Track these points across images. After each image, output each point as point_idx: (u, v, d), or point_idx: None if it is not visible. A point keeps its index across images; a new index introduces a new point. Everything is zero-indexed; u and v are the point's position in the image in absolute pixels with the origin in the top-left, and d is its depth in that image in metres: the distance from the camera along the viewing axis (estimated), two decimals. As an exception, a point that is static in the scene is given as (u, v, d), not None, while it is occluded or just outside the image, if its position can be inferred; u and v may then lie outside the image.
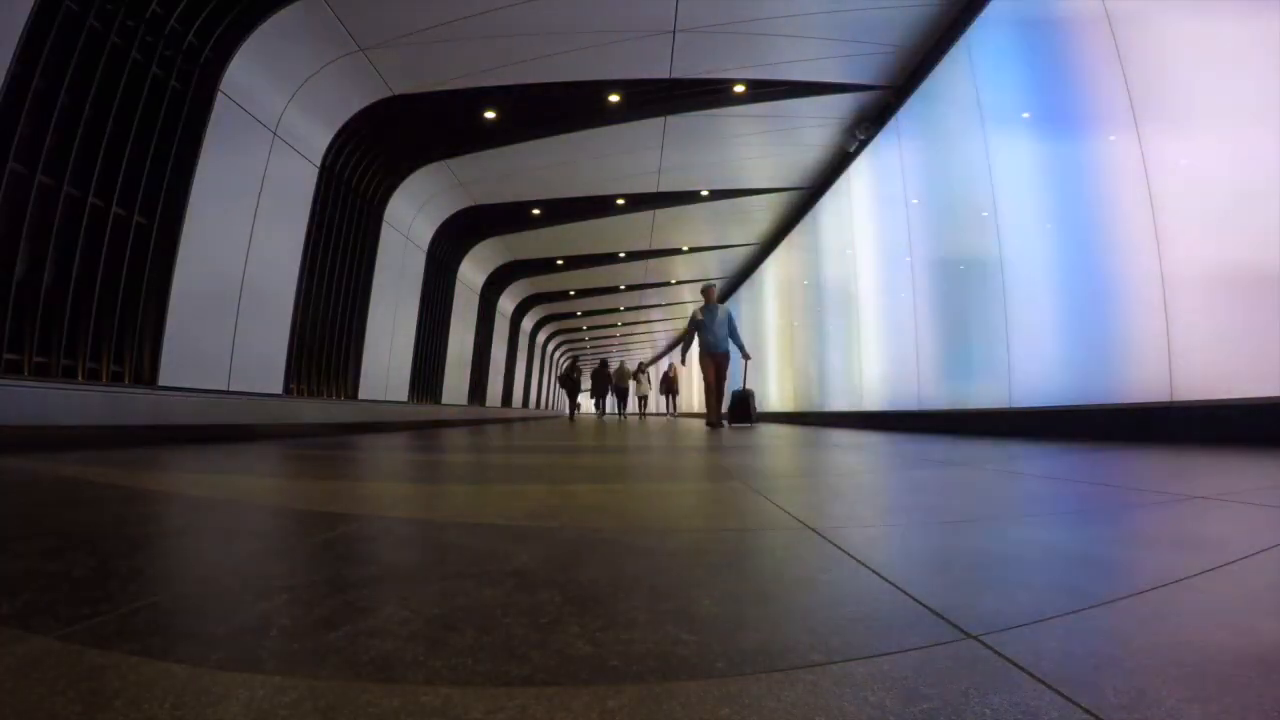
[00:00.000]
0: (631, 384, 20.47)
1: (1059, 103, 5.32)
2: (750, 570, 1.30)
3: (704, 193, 11.80)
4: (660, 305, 23.74)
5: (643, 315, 25.77)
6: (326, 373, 8.92)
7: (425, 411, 12.51)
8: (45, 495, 2.29)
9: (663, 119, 8.75)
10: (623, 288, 20.01)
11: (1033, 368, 5.64)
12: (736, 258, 16.88)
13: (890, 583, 1.10)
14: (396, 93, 7.85)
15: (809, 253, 12.52)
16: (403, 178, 9.97)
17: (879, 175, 8.99)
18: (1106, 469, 2.90)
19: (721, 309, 9.17)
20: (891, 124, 8.32)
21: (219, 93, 6.09)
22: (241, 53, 6.14)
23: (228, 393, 6.63)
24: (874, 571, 1.18)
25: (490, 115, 8.59)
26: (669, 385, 20.55)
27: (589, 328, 28.70)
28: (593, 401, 19.66)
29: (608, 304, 22.81)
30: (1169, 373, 4.18)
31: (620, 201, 11.91)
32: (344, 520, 1.80)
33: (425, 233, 11.80)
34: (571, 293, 20.36)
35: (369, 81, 7.55)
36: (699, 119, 8.77)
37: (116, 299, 5.40)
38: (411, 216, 10.99)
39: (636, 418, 20.45)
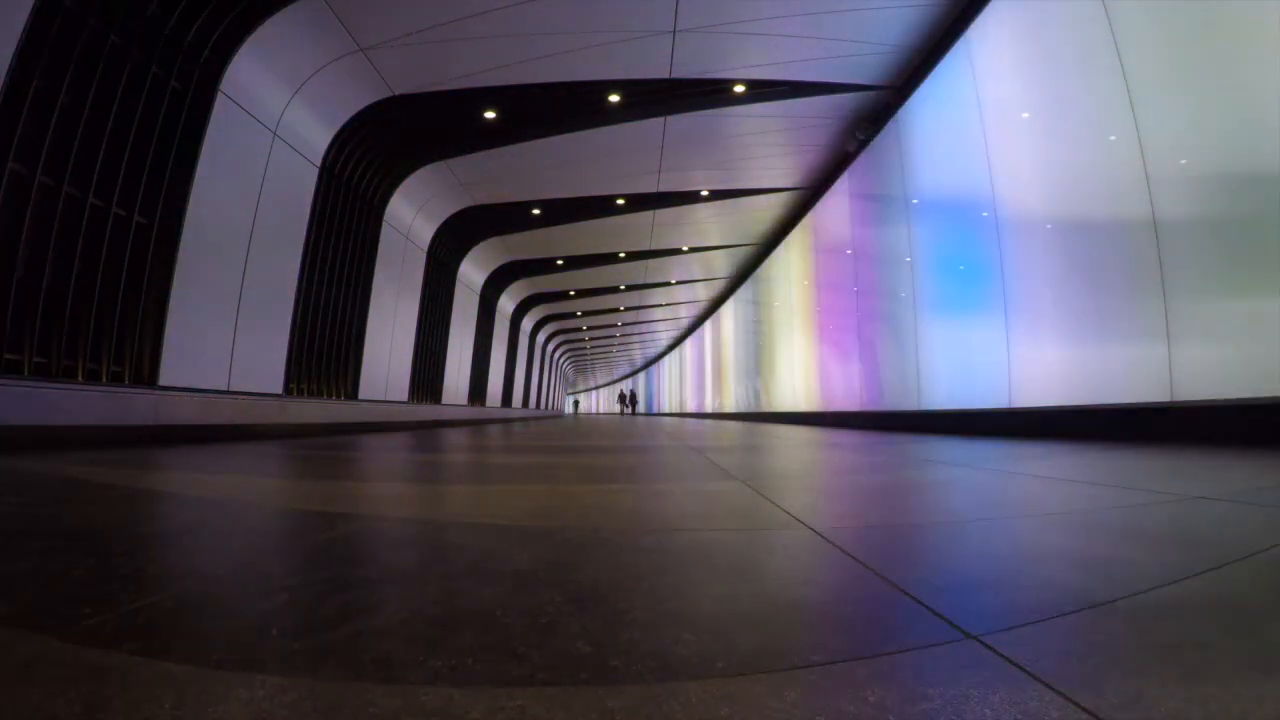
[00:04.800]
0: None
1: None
2: (750, 569, 1.30)
3: (704, 193, 11.80)
4: (661, 305, 23.74)
5: (643, 315, 25.78)
6: (326, 373, 8.92)
7: (425, 412, 12.51)
8: (46, 495, 2.29)
9: (663, 119, 8.75)
10: (623, 288, 20.01)
11: (1034, 369, 5.64)
12: (737, 258, 16.88)
13: (890, 582, 1.10)
14: (396, 93, 7.85)
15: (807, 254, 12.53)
16: (403, 178, 9.98)
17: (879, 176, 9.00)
18: (1106, 469, 2.90)
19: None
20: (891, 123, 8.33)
21: (219, 93, 6.09)
22: (241, 53, 6.14)
23: (228, 393, 6.63)
24: (875, 572, 1.18)
25: (490, 115, 8.59)
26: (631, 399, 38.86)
27: (589, 328, 28.71)
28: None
29: (608, 304, 22.82)
30: (1169, 373, 4.18)
31: (620, 201, 11.91)
32: (344, 520, 1.80)
33: (425, 233, 11.80)
34: (571, 293, 20.37)
35: (369, 81, 7.55)
36: (699, 119, 8.78)
37: (116, 299, 5.39)
38: (411, 216, 10.99)
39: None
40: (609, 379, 58.42)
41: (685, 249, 15.84)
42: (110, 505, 2.09)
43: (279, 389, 7.67)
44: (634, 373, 50.58)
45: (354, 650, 0.79)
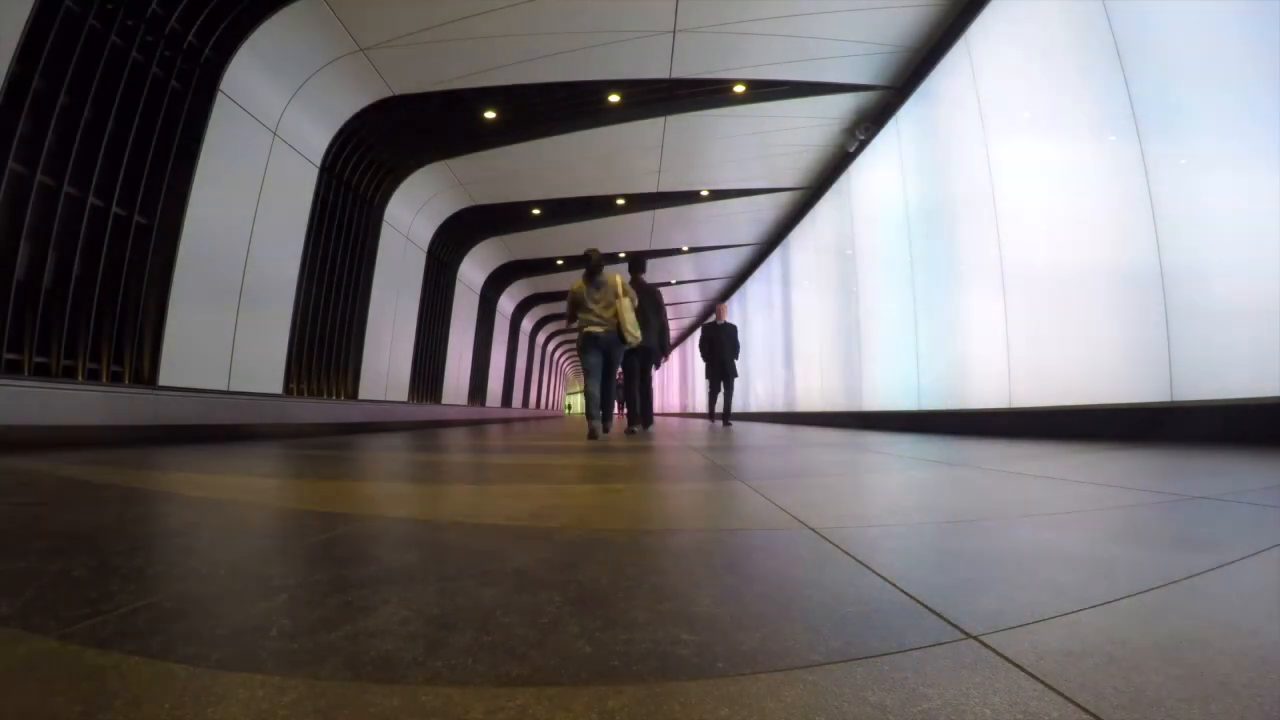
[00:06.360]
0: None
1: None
2: (749, 569, 1.30)
3: (704, 193, 11.80)
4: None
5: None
6: (326, 373, 8.92)
7: (425, 412, 12.51)
8: (45, 495, 2.29)
9: (663, 119, 8.75)
10: (622, 288, 20.01)
11: (1034, 367, 5.64)
12: (737, 257, 16.88)
13: (890, 582, 1.10)
14: (396, 93, 7.85)
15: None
16: (403, 178, 9.98)
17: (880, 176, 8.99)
18: (1106, 469, 2.90)
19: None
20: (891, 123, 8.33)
21: (219, 93, 6.09)
22: (241, 53, 6.14)
23: (228, 393, 6.63)
24: (874, 571, 1.18)
25: (490, 115, 8.59)
26: None
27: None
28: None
29: (607, 304, 22.79)
30: (1169, 373, 4.18)
31: (620, 201, 11.91)
32: (343, 520, 1.80)
33: (425, 233, 11.80)
34: (572, 293, 20.37)
35: (369, 81, 7.55)
36: (699, 119, 8.78)
37: (116, 299, 5.40)
38: (411, 216, 10.99)
39: None
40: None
41: (685, 249, 15.85)
42: (110, 505, 2.09)
43: (279, 389, 7.67)
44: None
45: (353, 650, 0.79)
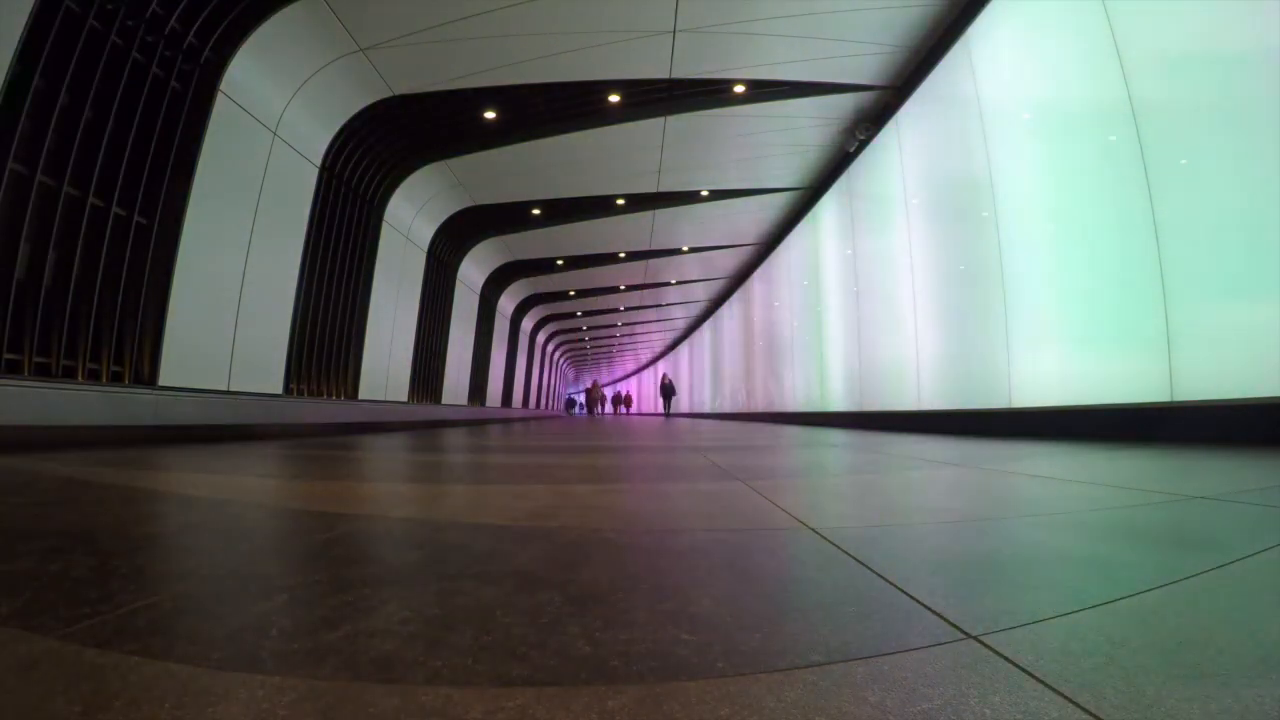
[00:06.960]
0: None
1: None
2: (749, 569, 1.30)
3: (704, 193, 11.80)
4: (661, 305, 23.75)
5: (644, 315, 25.79)
6: (326, 373, 8.92)
7: (425, 412, 12.51)
8: (46, 495, 2.29)
9: (663, 119, 8.75)
10: (623, 288, 20.01)
11: (1034, 369, 5.64)
12: (738, 257, 16.88)
13: (890, 583, 1.10)
14: (396, 93, 7.85)
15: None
16: (403, 178, 9.97)
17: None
18: (1106, 469, 2.90)
19: None
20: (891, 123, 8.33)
21: (219, 93, 6.09)
22: (241, 53, 6.14)
23: (228, 393, 6.63)
24: (874, 571, 1.18)
25: (490, 115, 8.59)
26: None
27: (589, 328, 28.72)
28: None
29: (608, 304, 22.83)
30: (1169, 372, 4.18)
31: (620, 201, 11.91)
32: (343, 520, 1.80)
33: (425, 233, 11.79)
34: (571, 293, 20.36)
35: (369, 81, 7.55)
36: (699, 119, 8.78)
37: (116, 299, 5.40)
38: (411, 216, 10.99)
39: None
40: (609, 379, 58.49)
41: (685, 249, 15.85)
42: (110, 505, 2.09)
43: (279, 389, 7.67)
44: (637, 371, 50.60)
45: (353, 650, 0.79)
